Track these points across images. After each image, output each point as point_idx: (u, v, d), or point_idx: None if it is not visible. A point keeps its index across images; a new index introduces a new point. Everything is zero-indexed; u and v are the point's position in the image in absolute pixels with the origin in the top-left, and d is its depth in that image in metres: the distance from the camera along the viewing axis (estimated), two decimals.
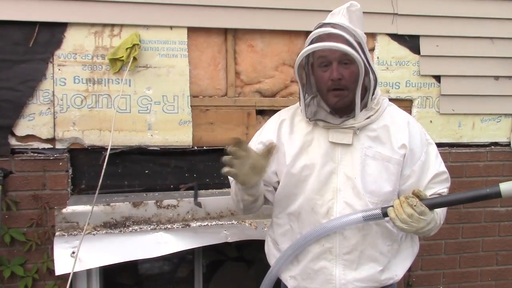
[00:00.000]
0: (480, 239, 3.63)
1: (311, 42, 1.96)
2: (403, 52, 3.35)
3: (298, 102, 2.10)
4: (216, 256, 4.07)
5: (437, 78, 3.42)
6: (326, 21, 2.01)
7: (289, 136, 2.09)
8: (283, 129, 2.12)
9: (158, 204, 2.95)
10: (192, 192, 3.09)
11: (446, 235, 3.54)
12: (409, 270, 3.44)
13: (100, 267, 2.98)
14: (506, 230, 3.69)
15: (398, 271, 2.09)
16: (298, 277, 2.08)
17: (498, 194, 1.76)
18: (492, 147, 3.59)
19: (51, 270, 2.89)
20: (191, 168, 3.17)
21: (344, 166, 2.00)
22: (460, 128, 3.49)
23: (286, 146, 2.08)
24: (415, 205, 1.81)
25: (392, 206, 1.87)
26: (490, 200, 3.55)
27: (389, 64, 3.33)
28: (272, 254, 2.19)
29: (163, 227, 2.94)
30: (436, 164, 2.09)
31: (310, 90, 2.10)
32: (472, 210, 3.58)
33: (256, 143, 2.17)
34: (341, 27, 1.93)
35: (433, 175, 2.07)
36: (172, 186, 3.15)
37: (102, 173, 2.65)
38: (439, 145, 3.34)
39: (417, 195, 1.84)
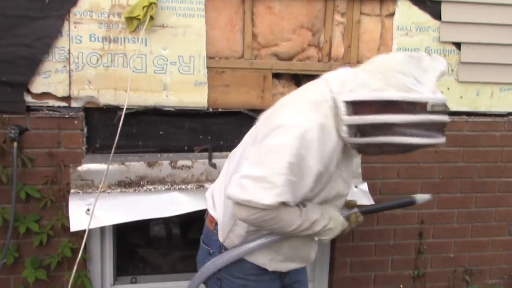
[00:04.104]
0: (493, 209, 3.61)
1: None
2: (424, 17, 3.27)
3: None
4: None
5: (457, 45, 3.35)
6: (436, 99, 1.84)
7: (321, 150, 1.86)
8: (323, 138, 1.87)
9: (172, 164, 2.96)
10: (206, 153, 3.08)
11: (459, 204, 3.53)
12: (420, 237, 3.47)
13: (113, 226, 3.02)
14: None
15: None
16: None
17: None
18: (510, 117, 3.53)
19: (65, 227, 2.92)
20: (206, 130, 3.16)
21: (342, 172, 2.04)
22: (478, 96, 3.43)
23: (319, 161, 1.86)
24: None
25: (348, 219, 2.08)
26: (504, 170, 3.56)
27: (409, 29, 3.26)
28: None
29: (177, 188, 2.95)
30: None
31: None
32: (486, 180, 3.55)
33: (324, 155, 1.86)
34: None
35: None
36: (186, 148, 3.15)
37: (118, 132, 2.65)
38: (455, 113, 3.33)
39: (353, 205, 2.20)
